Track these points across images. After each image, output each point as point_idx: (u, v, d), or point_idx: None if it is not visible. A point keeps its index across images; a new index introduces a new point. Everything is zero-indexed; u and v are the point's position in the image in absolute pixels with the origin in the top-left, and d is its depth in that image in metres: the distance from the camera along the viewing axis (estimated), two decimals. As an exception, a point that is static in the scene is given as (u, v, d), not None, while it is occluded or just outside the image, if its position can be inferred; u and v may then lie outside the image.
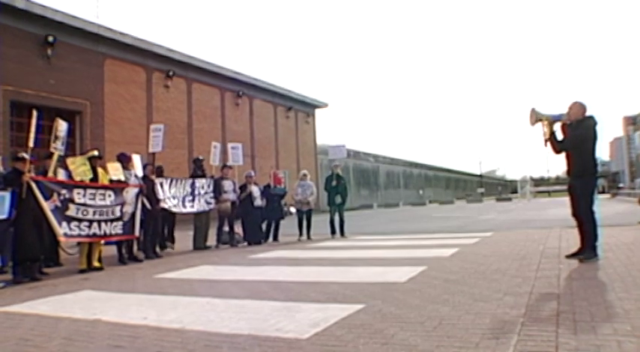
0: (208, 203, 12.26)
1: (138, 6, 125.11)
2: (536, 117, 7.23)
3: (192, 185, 12.08)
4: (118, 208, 8.96)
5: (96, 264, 8.60)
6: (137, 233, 9.50)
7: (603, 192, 69.45)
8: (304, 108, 44.58)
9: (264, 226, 13.66)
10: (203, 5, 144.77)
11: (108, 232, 8.77)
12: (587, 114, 7.07)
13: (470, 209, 35.10)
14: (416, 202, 58.87)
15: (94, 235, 8.51)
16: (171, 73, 29.41)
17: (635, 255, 7.23)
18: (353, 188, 55.75)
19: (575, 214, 7.18)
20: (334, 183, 14.20)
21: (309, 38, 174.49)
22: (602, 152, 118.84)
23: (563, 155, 7.26)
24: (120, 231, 9.01)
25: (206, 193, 12.26)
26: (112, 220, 8.83)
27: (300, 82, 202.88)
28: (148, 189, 10.23)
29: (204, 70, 32.24)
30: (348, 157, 55.04)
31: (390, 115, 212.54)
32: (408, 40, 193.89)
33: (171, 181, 11.78)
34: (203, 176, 12.59)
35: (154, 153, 12.31)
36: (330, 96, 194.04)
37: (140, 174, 10.56)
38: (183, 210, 11.73)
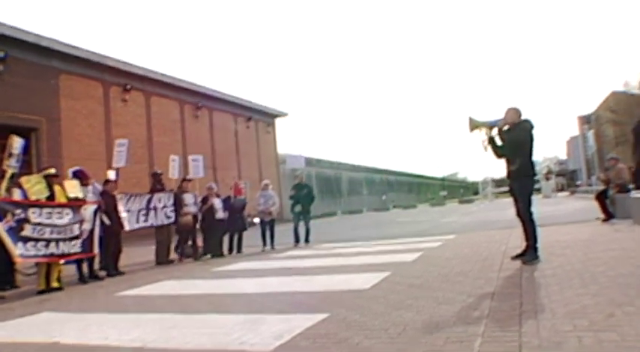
0: (168, 217, 12.08)
1: (92, 20, 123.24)
2: (473, 125, 7.37)
3: (149, 200, 11.90)
4: (76, 226, 8.76)
5: (55, 284, 8.36)
6: (96, 250, 9.29)
7: (562, 190, 70.78)
8: (264, 118, 44.43)
9: (226, 238, 13.53)
10: (160, 18, 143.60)
11: (66, 251, 8.55)
12: (523, 118, 7.24)
13: (433, 212, 35.37)
14: (379, 208, 58.99)
15: (52, 255, 8.28)
16: (128, 87, 28.94)
17: (592, 251, 7.36)
18: (316, 196, 55.71)
19: (518, 214, 7.31)
20: (299, 192, 14.22)
21: (267, 48, 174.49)
22: (539, 154, 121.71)
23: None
24: (79, 250, 8.80)
25: (165, 207, 12.07)
26: (70, 239, 8.62)
27: (259, 92, 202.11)
28: (109, 206, 10.05)
29: (162, 83, 31.86)
30: (309, 166, 55.07)
31: (351, 122, 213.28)
32: (366, 46, 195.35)
33: (130, 197, 11.63)
34: (162, 190, 12.41)
35: (117, 169, 12.18)
36: (290, 105, 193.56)
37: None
38: (135, 226, 11.52)
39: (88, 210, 9.12)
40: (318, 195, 55.71)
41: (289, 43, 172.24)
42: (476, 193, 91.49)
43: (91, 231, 9.12)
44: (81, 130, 25.56)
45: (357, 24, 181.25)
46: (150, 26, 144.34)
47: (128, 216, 11.18)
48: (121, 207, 10.74)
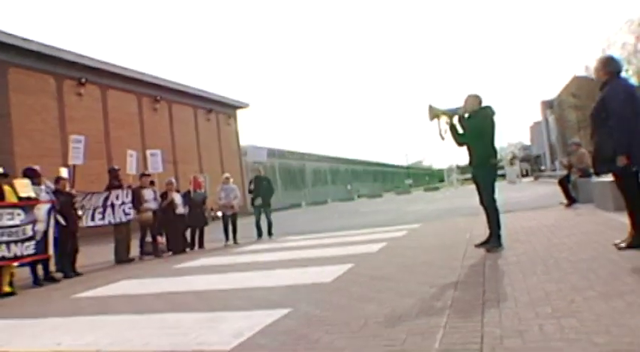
0: (127, 214, 11.89)
1: (44, 12, 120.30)
2: (433, 113, 7.41)
3: (106, 198, 11.71)
4: (29, 227, 8.55)
5: (6, 288, 8.13)
6: (51, 252, 9.08)
7: (526, 175, 71.93)
8: (225, 109, 44.10)
9: (188, 234, 13.41)
10: (115, 8, 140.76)
11: (19, 253, 8.35)
12: (484, 104, 7.33)
13: (398, 201, 35.56)
14: (344, 198, 59.20)
15: (3, 258, 8.08)
16: (83, 80, 28.36)
17: (555, 236, 7.48)
18: (280, 188, 55.63)
19: (481, 203, 7.38)
20: (259, 185, 14.16)
21: (227, 37, 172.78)
22: (503, 139, 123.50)
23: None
24: (32, 252, 8.60)
25: (123, 204, 11.88)
26: (22, 240, 8.42)
27: (219, 83, 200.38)
28: (63, 204, 9.84)
29: (118, 76, 31.30)
30: (272, 157, 54.88)
31: (315, 112, 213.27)
32: (327, 33, 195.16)
33: (86, 196, 11.46)
34: (119, 186, 12.20)
35: (74, 166, 11.94)
36: (251, 96, 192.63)
37: (67, 188, 10.37)
38: (90, 223, 11.38)
39: (41, 210, 8.90)
40: (282, 186, 56.48)
41: (249, 32, 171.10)
42: (441, 181, 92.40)
43: (45, 232, 8.91)
44: (33, 126, 24.97)
45: (317, 11, 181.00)
46: (105, 17, 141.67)
47: (88, 213, 11.04)
48: (76, 205, 10.56)
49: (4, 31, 24.19)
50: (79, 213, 10.67)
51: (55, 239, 9.17)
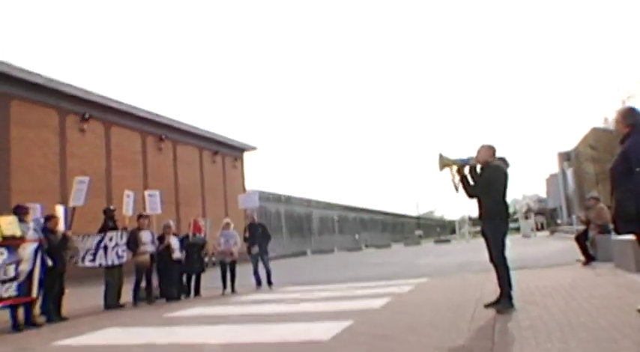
0: (119, 256, 11.65)
1: (50, 45, 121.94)
2: (443, 163, 7.23)
3: (100, 240, 11.52)
4: (11, 267, 8.31)
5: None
6: (35, 294, 8.81)
7: (542, 229, 71.23)
8: (232, 151, 44.24)
9: (184, 279, 13.13)
10: (122, 45, 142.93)
11: (0, 295, 8.10)
12: (497, 156, 7.15)
13: (407, 253, 35.14)
14: (352, 247, 58.68)
15: (-19, 300, 7.83)
16: (87, 116, 28.61)
17: (574, 299, 7.16)
18: (285, 235, 55.41)
19: (491, 259, 7.12)
20: (254, 232, 13.96)
21: (235, 79, 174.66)
22: (518, 191, 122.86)
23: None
24: (14, 293, 8.34)
25: (117, 246, 11.65)
26: (4, 281, 8.18)
27: (227, 125, 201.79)
28: (55, 244, 9.64)
29: (123, 113, 31.57)
30: (279, 202, 54.79)
31: (325, 158, 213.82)
32: (342, 77, 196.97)
33: (82, 238, 11.33)
34: (114, 228, 12.00)
35: (73, 207, 11.74)
36: (259, 139, 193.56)
37: (63, 227, 10.17)
38: (80, 265, 11.21)
39: (27, 250, 8.67)
40: (288, 233, 56.22)
41: (259, 72, 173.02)
42: (453, 232, 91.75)
43: (31, 272, 8.66)
44: (33, 161, 25.01)
45: (332, 54, 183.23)
46: (112, 53, 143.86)
47: (80, 254, 10.92)
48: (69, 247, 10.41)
49: (8, 63, 24.44)
50: (70, 256, 10.48)
51: (41, 280, 8.91)
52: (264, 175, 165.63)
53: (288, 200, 58.12)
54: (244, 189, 44.80)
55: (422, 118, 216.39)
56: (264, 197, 52.32)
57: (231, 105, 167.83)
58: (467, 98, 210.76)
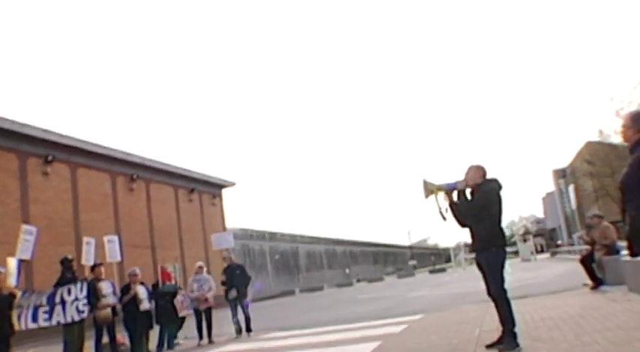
0: (80, 311, 10.84)
1: (7, 84, 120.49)
2: (428, 189, 6.75)
3: (53, 294, 10.77)
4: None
5: None
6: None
7: (542, 251, 71.05)
8: (209, 188, 43.72)
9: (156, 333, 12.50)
10: (86, 81, 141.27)
11: None
12: (488, 177, 6.71)
13: (400, 285, 34.74)
14: (342, 283, 58.03)
15: None
16: (50, 158, 27.92)
17: (585, 332, 6.62)
18: (271, 273, 54.69)
19: (489, 293, 6.61)
20: (231, 274, 13.40)
21: (210, 113, 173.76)
22: (514, 213, 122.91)
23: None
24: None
25: (76, 300, 10.89)
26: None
27: (203, 161, 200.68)
28: (1, 303, 8.97)
29: (90, 153, 30.97)
30: (263, 240, 54.16)
31: (307, 191, 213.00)
32: (321, 107, 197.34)
33: (25, 293, 10.55)
34: (74, 279, 11.30)
35: (20, 260, 11.03)
36: (238, 174, 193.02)
37: (13, 283, 9.59)
38: (32, 325, 10.36)
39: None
40: (273, 272, 55.51)
41: (233, 105, 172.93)
42: (448, 260, 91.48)
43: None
44: (-9, 208, 24.24)
45: (312, 83, 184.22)
46: (75, 90, 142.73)
47: (24, 312, 10.11)
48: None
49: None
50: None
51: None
52: (245, 212, 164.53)
53: (273, 236, 57.50)
54: (224, 228, 44.18)
55: (409, 140, 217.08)
56: (247, 235, 51.76)
57: (207, 141, 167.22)
58: (454, 118, 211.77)
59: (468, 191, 6.69)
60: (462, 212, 6.67)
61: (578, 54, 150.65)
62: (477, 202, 6.55)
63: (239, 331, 13.17)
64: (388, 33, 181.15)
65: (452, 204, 6.73)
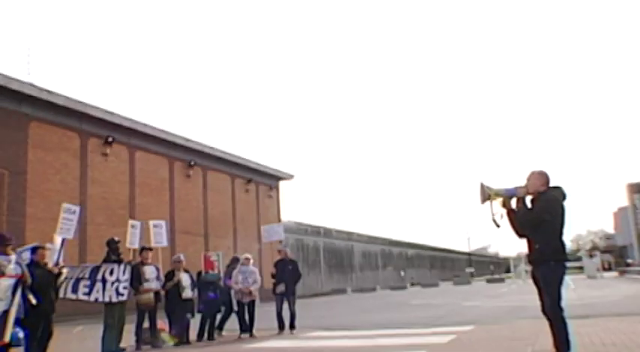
0: (119, 293, 10.85)
1: (74, 65, 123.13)
2: (485, 194, 6.38)
3: (96, 269, 10.81)
4: (-18, 306, 7.67)
5: None
6: (7, 338, 8.13)
7: (609, 269, 68.85)
8: (266, 180, 43.81)
9: (197, 321, 12.46)
10: (150, 64, 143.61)
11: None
12: (551, 185, 6.31)
13: (455, 293, 34.14)
14: (396, 285, 57.46)
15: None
16: (110, 139, 28.33)
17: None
18: (324, 270, 54.55)
19: (543, 310, 6.20)
20: (282, 269, 13.22)
21: (272, 103, 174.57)
22: (582, 226, 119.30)
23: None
24: (-17, 335, 7.70)
25: (117, 281, 10.89)
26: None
27: (261, 151, 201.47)
28: (41, 280, 8.99)
29: (149, 136, 31.34)
30: (318, 236, 54.07)
31: (367, 188, 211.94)
32: (382, 106, 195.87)
33: (74, 269, 10.66)
34: (118, 261, 11.32)
35: (63, 240, 11.07)
36: (296, 166, 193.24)
37: (54, 260, 9.54)
38: (71, 296, 10.42)
39: (2, 285, 8.04)
40: (326, 269, 55.33)
41: (297, 97, 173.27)
42: (508, 271, 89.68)
43: (5, 312, 8.01)
44: (51, 186, 24.78)
45: (380, 81, 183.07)
46: (139, 73, 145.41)
47: (66, 282, 10.21)
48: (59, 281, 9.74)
49: (28, 82, 24.46)
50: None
51: (18, 321, 8.25)
52: (301, 206, 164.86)
53: (328, 233, 57.33)
54: (279, 220, 44.23)
55: (472, 144, 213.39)
56: (302, 229, 51.74)
57: (267, 130, 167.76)
58: (525, 122, 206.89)
59: (528, 198, 6.31)
60: (520, 221, 6.30)
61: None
62: (537, 211, 6.16)
63: (282, 327, 13.01)
64: (458, 25, 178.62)
65: (510, 212, 6.36)
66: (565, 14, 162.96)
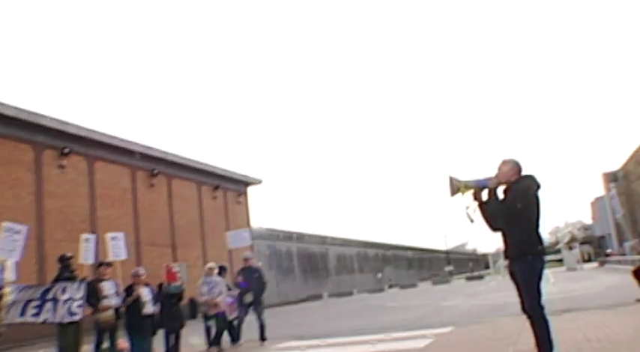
0: (72, 313, 10.38)
1: (24, 74, 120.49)
2: (455, 187, 6.10)
3: (46, 291, 10.38)
4: None
5: None
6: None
7: (589, 260, 69.50)
8: (234, 186, 43.44)
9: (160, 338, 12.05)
10: (104, 71, 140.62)
11: None
12: (523, 174, 6.06)
13: (434, 293, 34.18)
14: (373, 288, 57.43)
15: None
16: (66, 151, 27.67)
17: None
18: (298, 276, 54.29)
19: (523, 309, 5.96)
20: (248, 277, 12.93)
21: (236, 105, 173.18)
22: (560, 218, 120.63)
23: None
24: None
25: (70, 300, 10.45)
26: None
27: (228, 157, 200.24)
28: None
29: (108, 146, 30.71)
30: (290, 241, 53.78)
31: (339, 190, 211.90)
32: (348, 105, 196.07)
33: (22, 289, 10.20)
34: (72, 278, 10.88)
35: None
36: (265, 171, 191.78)
37: (12, 278, 9.40)
38: (18, 319, 10.02)
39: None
40: (301, 275, 55.04)
41: (263, 98, 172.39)
42: (487, 267, 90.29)
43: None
44: (3, 202, 24.00)
45: (352, 78, 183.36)
46: (95, 80, 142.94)
47: (15, 306, 9.77)
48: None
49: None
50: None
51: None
52: (272, 211, 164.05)
53: (301, 237, 57.05)
54: (250, 226, 43.86)
55: (447, 137, 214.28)
56: (274, 235, 51.39)
57: (232, 135, 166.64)
58: (499, 114, 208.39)
59: (500, 189, 6.03)
60: (493, 213, 6.02)
61: (634, 54, 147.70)
62: (509, 202, 5.89)
63: (235, 339, 12.83)
64: (434, 26, 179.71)
65: (481, 205, 6.08)
66: (537, 3, 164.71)
